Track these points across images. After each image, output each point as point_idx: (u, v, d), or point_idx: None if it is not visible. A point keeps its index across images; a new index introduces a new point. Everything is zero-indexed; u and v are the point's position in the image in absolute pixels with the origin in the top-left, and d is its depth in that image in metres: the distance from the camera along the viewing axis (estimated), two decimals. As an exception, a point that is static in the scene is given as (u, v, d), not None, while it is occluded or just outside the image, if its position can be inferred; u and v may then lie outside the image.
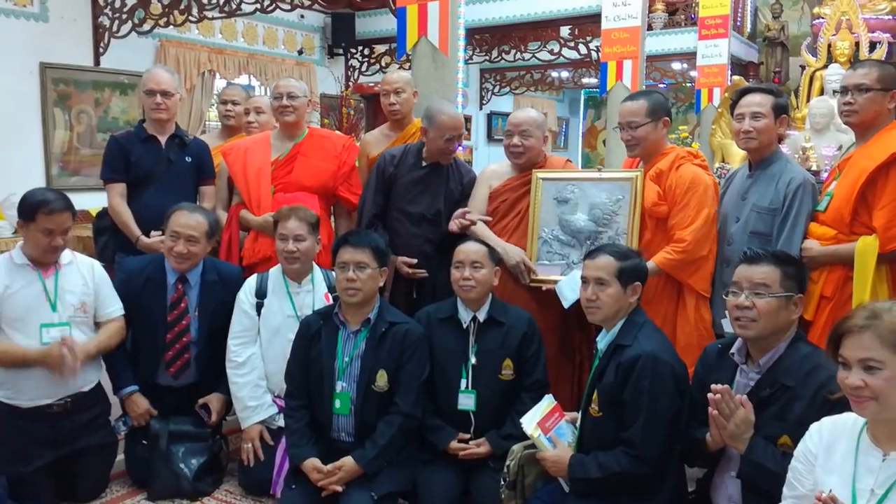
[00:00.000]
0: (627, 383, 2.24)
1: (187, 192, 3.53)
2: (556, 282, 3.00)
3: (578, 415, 2.48)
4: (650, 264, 2.78)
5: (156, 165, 3.52)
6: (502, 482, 2.46)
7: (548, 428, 2.41)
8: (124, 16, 6.19)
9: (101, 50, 6.25)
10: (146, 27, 6.33)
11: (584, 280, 2.44)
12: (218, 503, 2.94)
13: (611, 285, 2.36)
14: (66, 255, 2.93)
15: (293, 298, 3.05)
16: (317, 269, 3.14)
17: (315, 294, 3.08)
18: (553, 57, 10.19)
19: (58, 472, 2.85)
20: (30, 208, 2.75)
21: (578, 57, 10.00)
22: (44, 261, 2.82)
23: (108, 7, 6.18)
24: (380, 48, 9.10)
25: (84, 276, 2.93)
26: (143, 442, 3.02)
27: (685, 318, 2.90)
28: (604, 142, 12.16)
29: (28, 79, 5.80)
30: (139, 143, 3.53)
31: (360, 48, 9.06)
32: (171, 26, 6.40)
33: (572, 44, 9.75)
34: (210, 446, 3.06)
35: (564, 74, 12.88)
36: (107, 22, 6.20)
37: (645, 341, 2.29)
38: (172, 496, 2.94)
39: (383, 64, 9.07)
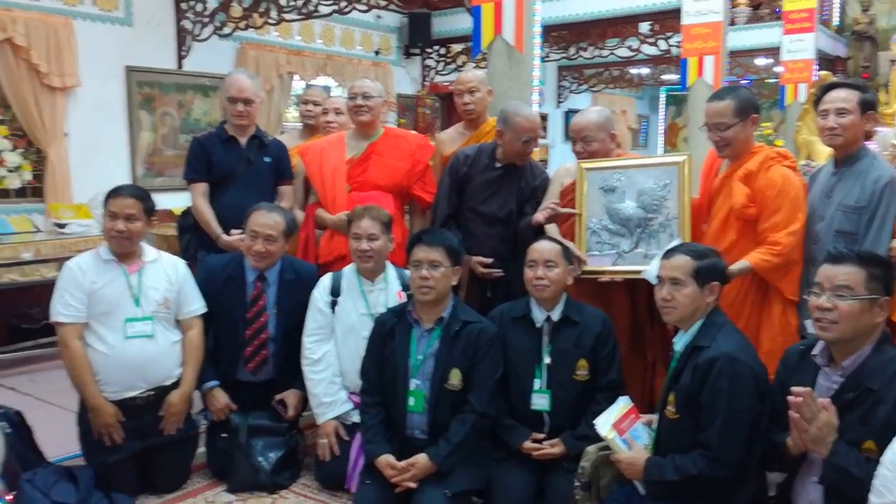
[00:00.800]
0: (705, 385, 2.23)
1: (266, 192, 3.63)
2: (609, 272, 3.02)
3: (655, 417, 2.48)
4: (742, 264, 2.76)
5: (236, 166, 3.64)
6: (577, 483, 2.49)
7: (623, 429, 2.42)
8: (206, 19, 6.45)
9: (183, 53, 6.52)
10: (227, 30, 6.58)
11: (660, 279, 2.44)
12: (295, 496, 3.04)
13: (687, 285, 2.36)
14: (151, 253, 3.08)
15: (367, 297, 3.13)
16: (390, 268, 3.20)
17: (388, 292, 3.15)
18: (632, 53, 10.08)
19: (141, 463, 3.00)
20: (105, 197, 2.96)
21: (658, 53, 9.85)
22: (114, 250, 2.96)
23: (191, 11, 6.45)
24: (456, 47, 9.19)
25: (168, 274, 3.07)
26: (223, 436, 3.15)
27: (770, 322, 2.85)
28: (685, 139, 11.93)
29: (114, 82, 6.09)
30: (220, 144, 3.66)
31: (435, 48, 9.18)
32: (251, 29, 6.64)
33: (652, 40, 9.62)
34: (287, 441, 3.16)
35: (644, 71, 12.69)
36: (189, 25, 6.47)
37: (724, 342, 2.28)
38: (251, 489, 3.05)
39: (459, 63, 9.15)
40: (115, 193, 2.96)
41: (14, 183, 5.37)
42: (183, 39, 6.51)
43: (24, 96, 5.43)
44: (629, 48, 9.99)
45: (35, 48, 5.41)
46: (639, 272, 2.92)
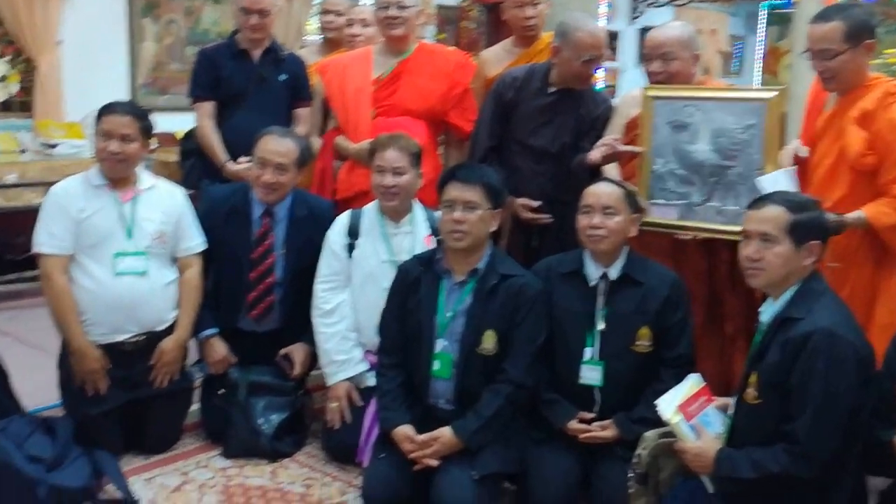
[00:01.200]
0: (796, 365, 2.06)
1: (280, 115, 3.61)
2: (692, 228, 2.85)
3: (731, 401, 2.32)
4: (856, 215, 2.58)
5: (247, 83, 3.61)
6: (631, 474, 2.36)
7: (691, 413, 2.28)
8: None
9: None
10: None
11: (746, 235, 2.26)
12: (298, 467, 3.02)
13: (779, 242, 2.16)
14: (148, 180, 3.08)
15: (390, 240, 3.06)
16: (418, 208, 3.12)
17: (415, 236, 3.08)
18: (726, -42, 9.61)
19: (127, 418, 3.00)
20: (98, 114, 2.95)
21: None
22: (108, 173, 2.95)
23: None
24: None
25: (165, 204, 3.07)
26: (221, 392, 3.14)
27: (888, 291, 2.66)
28: (789, 67, 11.42)
29: (114, -16, 6.04)
30: (230, 59, 3.66)
31: (484, -50, 8.89)
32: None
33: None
34: (292, 402, 3.15)
35: (742, -19, 12.17)
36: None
37: (821, 315, 2.10)
38: (249, 454, 3.05)
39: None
40: (108, 110, 2.96)
41: (1, 96, 5.35)
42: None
43: (11, -1, 5.37)
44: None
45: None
46: (733, 233, 2.68)
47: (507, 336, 2.65)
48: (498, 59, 3.71)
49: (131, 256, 2.94)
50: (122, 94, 5.90)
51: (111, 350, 2.93)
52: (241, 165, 3.44)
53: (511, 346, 2.65)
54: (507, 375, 2.63)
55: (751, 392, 2.18)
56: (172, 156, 4.72)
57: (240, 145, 3.45)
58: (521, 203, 3.26)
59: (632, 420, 2.57)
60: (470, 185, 2.64)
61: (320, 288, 3.09)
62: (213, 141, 3.58)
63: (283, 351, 3.20)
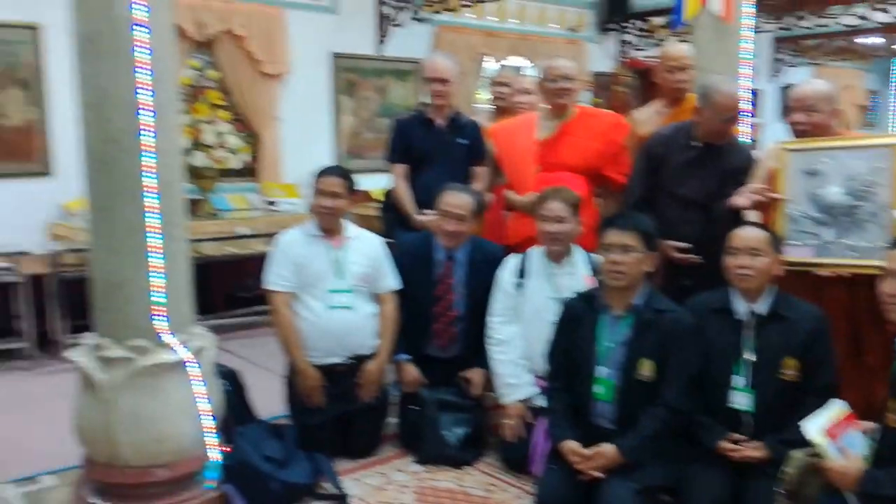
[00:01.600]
0: None
1: (460, 173, 3.74)
2: (831, 266, 2.77)
3: (875, 425, 2.24)
4: None
5: (433, 148, 3.79)
6: (780, 490, 2.31)
7: (836, 435, 2.21)
8: (404, 4, 6.68)
9: (382, 38, 6.80)
10: (424, 14, 6.77)
11: (886, 272, 2.19)
12: (480, 474, 3.11)
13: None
14: (353, 230, 3.29)
15: (553, 280, 3.12)
16: (578, 251, 3.17)
17: (575, 276, 3.12)
18: (860, 22, 9.10)
19: (339, 427, 3.20)
20: (314, 176, 3.20)
21: (891, 21, 8.82)
22: (322, 225, 3.19)
23: (391, -4, 6.73)
24: (656, 20, 8.80)
25: (367, 250, 3.28)
26: (414, 408, 3.28)
27: None
28: None
29: (321, 68, 6.48)
30: (419, 127, 3.83)
31: (633, 21, 8.85)
32: (446, 12, 6.78)
33: (882, 6, 8.62)
34: (473, 418, 3.25)
35: (875, 41, 11.42)
36: (388, 11, 6.73)
37: None
38: (438, 461, 3.16)
39: (659, 38, 8.76)
40: (323, 173, 3.21)
41: (234, 164, 5.80)
42: (382, 25, 6.77)
43: (241, 83, 5.94)
44: (856, 16, 9.02)
45: (252, 38, 5.89)
46: (869, 266, 2.62)
47: (663, 365, 2.64)
48: (649, 118, 3.72)
49: (341, 293, 3.17)
50: (327, 159, 6.31)
51: (326, 370, 3.16)
52: (427, 217, 3.60)
53: (667, 374, 2.64)
54: (664, 400, 2.63)
55: (892, 417, 2.11)
56: (368, 210, 5.03)
57: (427, 200, 3.59)
58: (670, 245, 3.23)
59: (780, 442, 2.50)
60: (626, 231, 2.67)
61: (494, 321, 3.19)
62: (404, 197, 3.78)
63: (463, 374, 3.32)
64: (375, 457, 3.26)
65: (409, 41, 6.86)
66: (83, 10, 2.42)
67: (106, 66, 2.40)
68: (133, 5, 2.37)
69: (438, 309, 3.33)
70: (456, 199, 3.27)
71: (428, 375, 3.32)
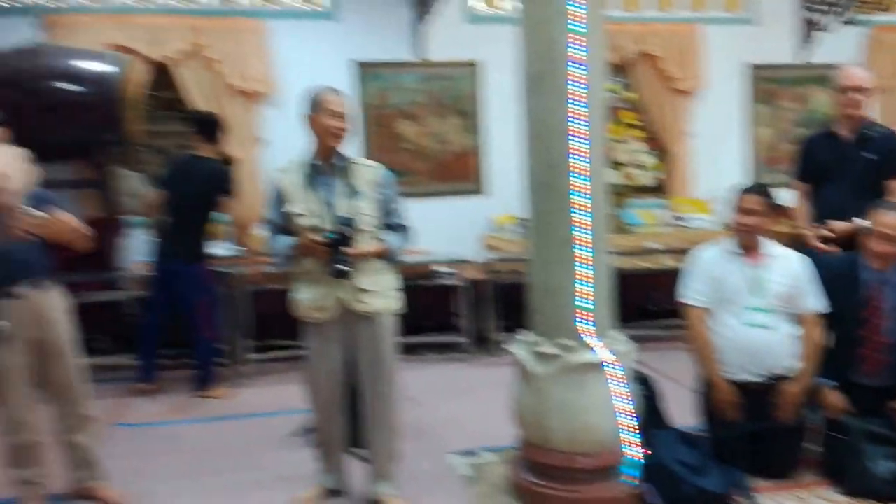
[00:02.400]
0: None
1: (866, 188, 3.56)
2: None
3: None
4: None
5: (835, 162, 3.70)
6: None
7: None
8: (833, 7, 6.27)
9: (805, 45, 6.47)
10: (853, 16, 6.28)
11: None
12: None
13: None
14: (775, 249, 3.30)
15: None
16: None
17: None
18: None
19: (755, 446, 3.19)
20: (738, 192, 3.27)
21: None
22: (741, 242, 3.25)
23: (819, 1, 6.36)
24: None
25: (788, 269, 3.24)
26: (839, 436, 3.14)
27: None
28: None
29: (736, 81, 6.40)
30: (823, 141, 3.78)
31: None
32: (880, 13, 6.21)
33: None
34: None
35: None
36: (813, 16, 6.38)
37: None
38: (866, 495, 3.00)
39: None
40: (745, 190, 3.28)
41: (646, 181, 6.07)
42: (806, 31, 6.45)
43: (654, 102, 6.18)
44: None
45: (667, 57, 6.11)
46: None
47: None
48: None
49: (758, 312, 3.17)
50: (739, 173, 6.24)
51: (739, 386, 3.18)
52: (817, 230, 3.59)
53: None
54: None
55: None
56: (786, 228, 4.83)
57: (826, 216, 3.60)
58: None
59: None
60: None
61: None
62: (801, 214, 3.81)
63: (892, 404, 3.11)
64: (793, 480, 3.19)
65: (836, 46, 6.41)
66: (531, 52, 2.84)
67: (548, 102, 2.79)
68: (571, 45, 2.72)
69: (865, 333, 3.17)
70: (890, 220, 3.12)
71: (854, 403, 3.17)
